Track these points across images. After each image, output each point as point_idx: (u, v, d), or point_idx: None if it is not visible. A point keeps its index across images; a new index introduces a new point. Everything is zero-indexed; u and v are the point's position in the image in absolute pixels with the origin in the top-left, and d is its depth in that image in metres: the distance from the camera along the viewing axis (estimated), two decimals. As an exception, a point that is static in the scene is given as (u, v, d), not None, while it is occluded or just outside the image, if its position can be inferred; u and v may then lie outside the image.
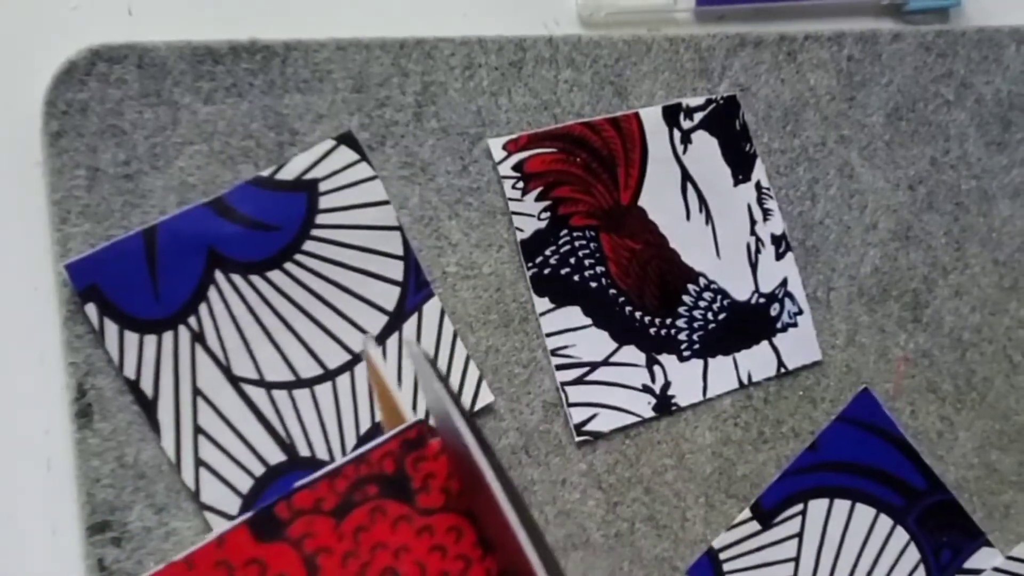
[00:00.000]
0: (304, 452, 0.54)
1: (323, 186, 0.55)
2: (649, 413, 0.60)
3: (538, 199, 0.59)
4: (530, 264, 0.58)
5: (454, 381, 0.57)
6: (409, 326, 0.56)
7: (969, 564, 0.66)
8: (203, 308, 0.53)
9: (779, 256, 0.63)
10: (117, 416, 0.51)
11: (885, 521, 0.64)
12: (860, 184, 0.65)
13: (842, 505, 0.63)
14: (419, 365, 0.36)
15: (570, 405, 0.58)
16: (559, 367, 0.58)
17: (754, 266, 0.62)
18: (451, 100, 0.58)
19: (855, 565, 0.64)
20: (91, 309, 0.51)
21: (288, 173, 0.54)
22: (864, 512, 0.64)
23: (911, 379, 0.66)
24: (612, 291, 0.60)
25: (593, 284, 0.59)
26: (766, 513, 0.62)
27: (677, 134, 0.61)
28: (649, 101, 0.61)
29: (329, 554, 0.36)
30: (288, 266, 0.54)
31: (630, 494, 0.59)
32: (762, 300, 0.63)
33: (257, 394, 0.53)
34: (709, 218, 0.62)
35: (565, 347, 0.59)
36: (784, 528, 0.62)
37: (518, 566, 0.32)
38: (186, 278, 0.52)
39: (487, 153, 0.58)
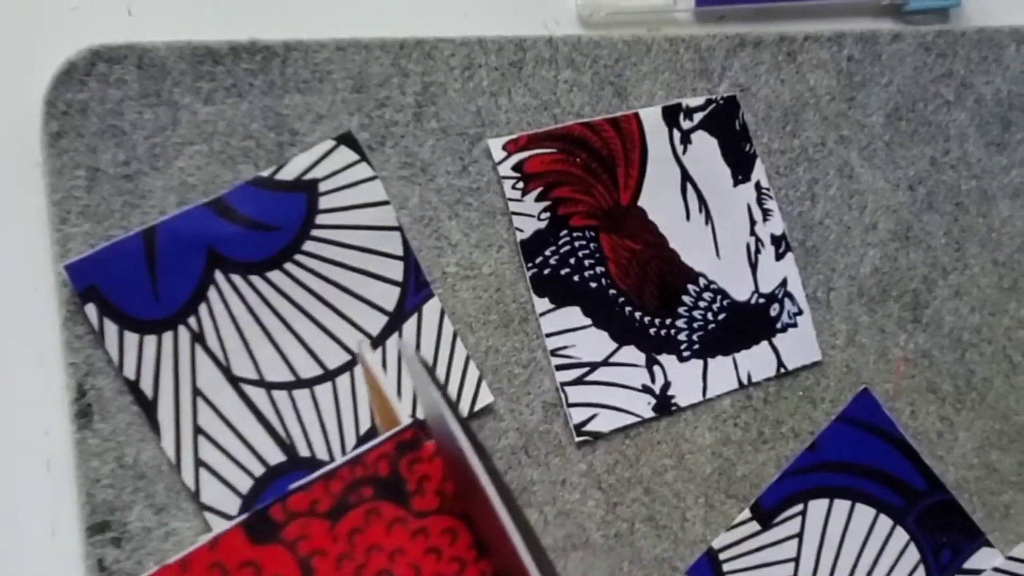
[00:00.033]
0: (304, 452, 0.54)
1: (323, 186, 0.55)
2: (649, 413, 0.60)
3: (538, 199, 0.59)
4: (530, 264, 0.58)
5: (454, 382, 0.57)
6: (409, 326, 0.56)
7: (969, 564, 0.66)
8: (203, 308, 0.53)
9: (779, 256, 0.63)
10: (117, 416, 0.51)
11: (885, 521, 0.64)
12: (860, 184, 0.65)
13: (842, 505, 0.63)
14: (413, 368, 0.36)
15: (570, 405, 0.58)
16: (559, 367, 0.59)
17: (754, 266, 0.62)
18: (451, 100, 0.58)
19: (855, 565, 0.64)
20: (91, 309, 0.51)
21: (288, 173, 0.54)
22: (864, 512, 0.64)
23: (911, 379, 0.66)
24: (612, 291, 0.60)
25: (593, 284, 0.59)
26: (766, 513, 0.62)
27: (677, 134, 0.61)
28: (649, 101, 0.61)
29: (324, 556, 0.36)
30: (288, 266, 0.54)
31: (630, 494, 0.59)
32: (762, 300, 0.63)
33: (257, 394, 0.54)
34: (709, 218, 0.62)
35: (565, 347, 0.59)
36: (784, 528, 0.62)
37: (513, 569, 0.32)
38: (186, 278, 0.52)
39: (487, 153, 0.58)
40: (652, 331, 0.60)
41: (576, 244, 0.59)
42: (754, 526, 0.62)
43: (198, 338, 0.53)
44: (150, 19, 0.55)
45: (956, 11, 0.70)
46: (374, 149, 0.56)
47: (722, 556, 0.61)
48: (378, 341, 0.56)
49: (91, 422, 0.51)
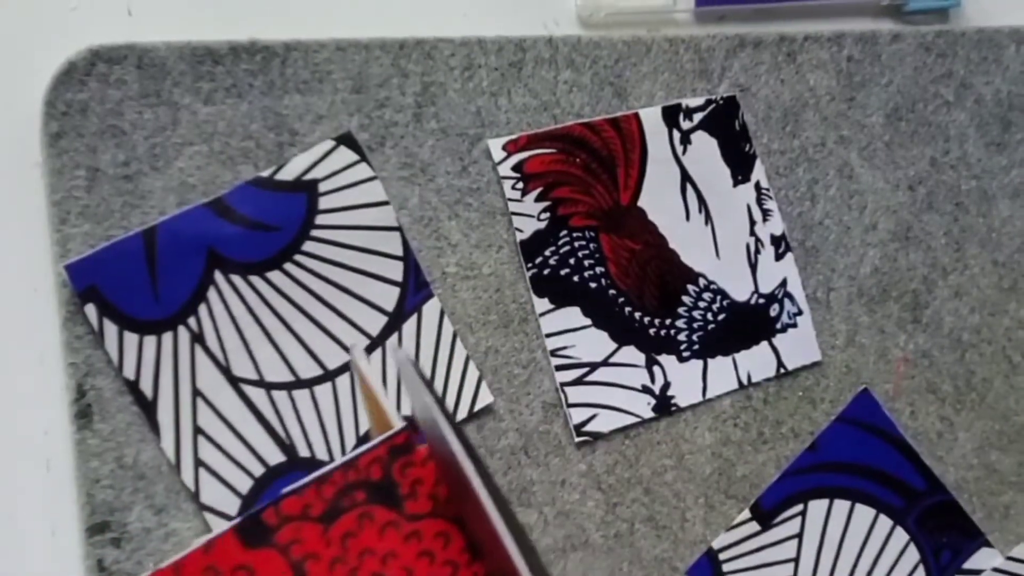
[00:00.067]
0: (304, 453, 0.54)
1: (323, 187, 0.55)
2: (649, 414, 0.60)
3: (538, 200, 0.59)
4: (530, 264, 0.58)
5: (454, 382, 0.57)
6: (409, 327, 0.56)
7: (969, 564, 0.66)
8: (203, 309, 0.53)
9: (779, 256, 0.63)
10: (117, 417, 0.51)
11: (885, 522, 0.64)
12: (860, 184, 0.65)
13: (842, 506, 0.63)
14: (405, 371, 0.36)
15: (570, 406, 0.59)
16: (559, 367, 0.59)
17: (754, 266, 0.62)
18: (451, 101, 0.58)
19: (855, 566, 0.64)
20: (91, 310, 0.51)
21: (288, 174, 0.54)
22: (864, 513, 0.64)
23: (911, 379, 0.66)
24: (612, 291, 0.60)
25: (593, 285, 0.59)
26: (766, 514, 0.62)
27: (677, 135, 0.61)
28: (649, 102, 0.61)
29: (317, 560, 0.36)
30: (288, 267, 0.54)
31: (630, 495, 0.60)
32: (762, 300, 0.63)
33: (257, 395, 0.54)
34: (709, 218, 0.62)
35: (565, 347, 0.59)
36: (784, 529, 0.62)
37: (506, 572, 0.32)
38: (186, 279, 0.53)
39: (487, 154, 0.58)
40: (652, 331, 0.60)
41: (576, 244, 0.59)
42: (754, 526, 0.62)
43: (198, 338, 0.53)
44: (150, 19, 0.55)
45: (956, 11, 0.70)
46: (374, 149, 0.56)
47: (722, 556, 0.61)
48: (378, 341, 0.56)
49: (91, 422, 0.51)
